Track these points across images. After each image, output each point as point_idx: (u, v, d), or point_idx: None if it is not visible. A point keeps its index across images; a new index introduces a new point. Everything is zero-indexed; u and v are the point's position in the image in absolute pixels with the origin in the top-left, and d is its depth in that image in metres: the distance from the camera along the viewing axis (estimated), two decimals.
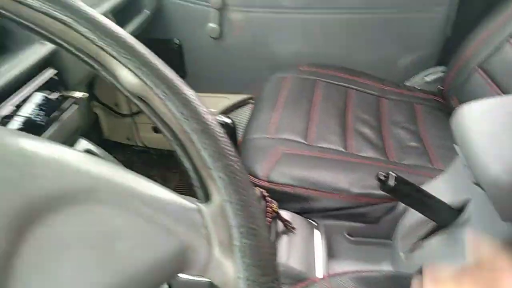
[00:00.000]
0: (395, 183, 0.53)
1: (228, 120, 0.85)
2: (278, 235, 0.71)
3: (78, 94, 0.71)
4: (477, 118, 0.51)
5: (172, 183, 1.39)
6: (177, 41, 1.29)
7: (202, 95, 0.29)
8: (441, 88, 1.10)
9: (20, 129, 0.58)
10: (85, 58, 0.30)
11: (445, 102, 1.07)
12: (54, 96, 0.65)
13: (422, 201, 0.58)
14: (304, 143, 0.87)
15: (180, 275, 0.26)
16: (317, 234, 0.77)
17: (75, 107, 0.74)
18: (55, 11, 0.28)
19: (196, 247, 0.25)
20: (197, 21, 1.23)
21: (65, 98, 0.70)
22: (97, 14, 0.29)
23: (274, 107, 0.98)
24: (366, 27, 1.19)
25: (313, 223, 0.78)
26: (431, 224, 0.64)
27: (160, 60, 0.30)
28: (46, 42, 0.72)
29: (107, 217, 0.24)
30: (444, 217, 0.61)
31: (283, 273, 0.66)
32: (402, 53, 1.22)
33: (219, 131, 0.28)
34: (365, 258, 0.78)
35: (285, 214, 0.74)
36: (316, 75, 1.10)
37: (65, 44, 0.30)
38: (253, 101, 1.33)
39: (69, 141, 0.75)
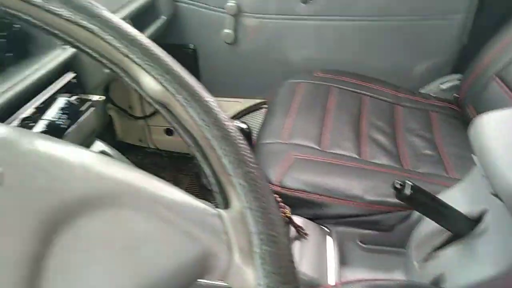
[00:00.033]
0: (412, 192, 0.53)
1: (243, 125, 0.86)
2: (290, 241, 0.71)
3: (96, 97, 0.72)
4: (495, 128, 0.50)
5: (183, 185, 1.40)
6: (192, 46, 1.30)
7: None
8: (457, 96, 1.09)
9: (44, 132, 0.59)
10: (109, 64, 0.31)
11: (461, 110, 1.05)
12: (73, 99, 0.67)
13: (438, 210, 0.58)
14: (317, 149, 0.87)
15: (199, 280, 0.26)
16: (329, 240, 0.77)
17: (92, 109, 0.75)
18: (82, 19, 0.29)
19: (216, 253, 0.25)
20: (212, 26, 1.24)
21: (83, 100, 0.71)
22: (122, 22, 0.30)
23: (287, 112, 0.98)
24: (381, 34, 1.19)
25: (326, 229, 0.78)
26: (446, 233, 0.63)
27: (182, 68, 0.30)
28: (66, 47, 0.74)
29: (131, 222, 0.24)
30: (460, 227, 0.60)
31: None
32: (417, 60, 1.21)
33: (240, 138, 0.28)
34: (378, 266, 0.77)
35: (297, 219, 0.74)
36: (330, 81, 1.10)
37: (89, 51, 0.30)
38: (266, 106, 1.33)
39: (85, 143, 0.76)
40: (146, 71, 0.29)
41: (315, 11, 1.18)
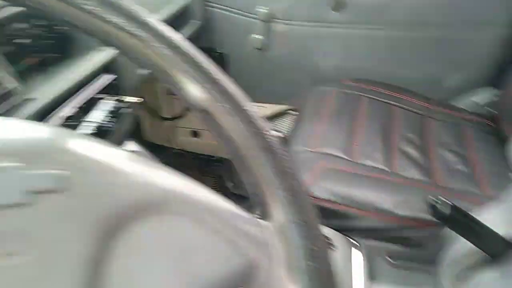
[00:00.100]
0: (451, 212, 0.51)
1: (280, 134, 0.86)
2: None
3: (134, 99, 0.74)
4: None
5: (206, 188, 1.40)
6: (219, 51, 1.32)
7: None
8: (492, 111, 1.05)
9: (93, 134, 0.61)
10: (154, 70, 0.31)
11: (496, 126, 1.02)
12: (114, 100, 0.68)
13: (475, 231, 0.56)
14: (347, 159, 0.86)
15: None
16: (356, 253, 0.76)
17: (128, 110, 0.77)
18: (132, 27, 0.29)
19: (258, 264, 0.25)
20: (242, 32, 1.25)
21: (121, 102, 0.72)
22: (169, 29, 0.30)
23: (316, 120, 0.97)
24: (412, 44, 1.17)
25: (354, 242, 0.77)
26: (481, 254, 0.61)
27: (227, 76, 0.30)
28: (105, 49, 0.76)
29: (180, 229, 0.25)
30: (496, 249, 0.58)
31: None
32: (449, 72, 1.19)
33: (284, 149, 0.28)
34: (406, 283, 0.76)
35: (324, 230, 0.73)
36: (360, 90, 1.09)
37: (135, 56, 0.31)
38: (292, 112, 1.33)
39: (119, 143, 0.78)
40: (191, 78, 0.29)
41: (346, 19, 1.17)
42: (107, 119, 0.63)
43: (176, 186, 0.26)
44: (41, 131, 0.25)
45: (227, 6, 1.23)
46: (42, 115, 0.60)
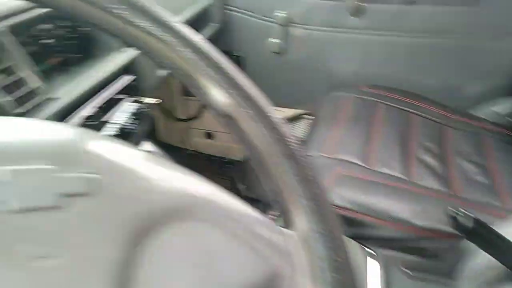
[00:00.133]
0: (473, 225, 0.50)
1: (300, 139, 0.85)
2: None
3: (153, 100, 0.74)
4: None
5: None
6: (236, 54, 1.32)
7: None
8: None
9: (116, 136, 0.62)
10: (178, 74, 0.31)
11: None
12: (133, 101, 0.69)
13: (497, 245, 0.55)
14: (363, 166, 0.85)
15: None
16: (371, 262, 0.74)
17: (149, 112, 0.77)
18: (158, 31, 0.29)
19: (282, 273, 0.25)
20: (260, 35, 1.25)
21: (140, 103, 0.73)
22: (194, 33, 0.30)
23: (332, 126, 0.96)
24: (431, 52, 1.15)
25: (370, 251, 0.76)
26: (502, 268, 0.60)
27: (251, 83, 0.30)
28: (126, 50, 0.77)
29: (206, 236, 0.25)
30: None
31: None
32: (469, 81, 1.17)
33: (307, 157, 0.28)
34: None
35: None
36: (377, 96, 1.08)
37: (160, 60, 0.31)
38: (307, 117, 1.33)
39: (137, 143, 0.79)
40: (215, 83, 0.29)
41: (364, 25, 1.16)
42: (130, 121, 0.63)
43: (202, 192, 0.26)
44: (69, 133, 0.25)
45: (245, 10, 1.23)
46: (63, 115, 0.61)
